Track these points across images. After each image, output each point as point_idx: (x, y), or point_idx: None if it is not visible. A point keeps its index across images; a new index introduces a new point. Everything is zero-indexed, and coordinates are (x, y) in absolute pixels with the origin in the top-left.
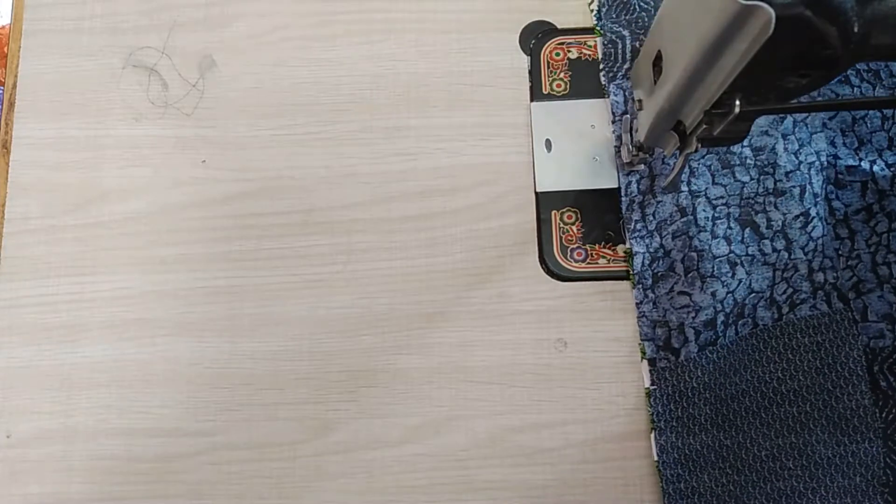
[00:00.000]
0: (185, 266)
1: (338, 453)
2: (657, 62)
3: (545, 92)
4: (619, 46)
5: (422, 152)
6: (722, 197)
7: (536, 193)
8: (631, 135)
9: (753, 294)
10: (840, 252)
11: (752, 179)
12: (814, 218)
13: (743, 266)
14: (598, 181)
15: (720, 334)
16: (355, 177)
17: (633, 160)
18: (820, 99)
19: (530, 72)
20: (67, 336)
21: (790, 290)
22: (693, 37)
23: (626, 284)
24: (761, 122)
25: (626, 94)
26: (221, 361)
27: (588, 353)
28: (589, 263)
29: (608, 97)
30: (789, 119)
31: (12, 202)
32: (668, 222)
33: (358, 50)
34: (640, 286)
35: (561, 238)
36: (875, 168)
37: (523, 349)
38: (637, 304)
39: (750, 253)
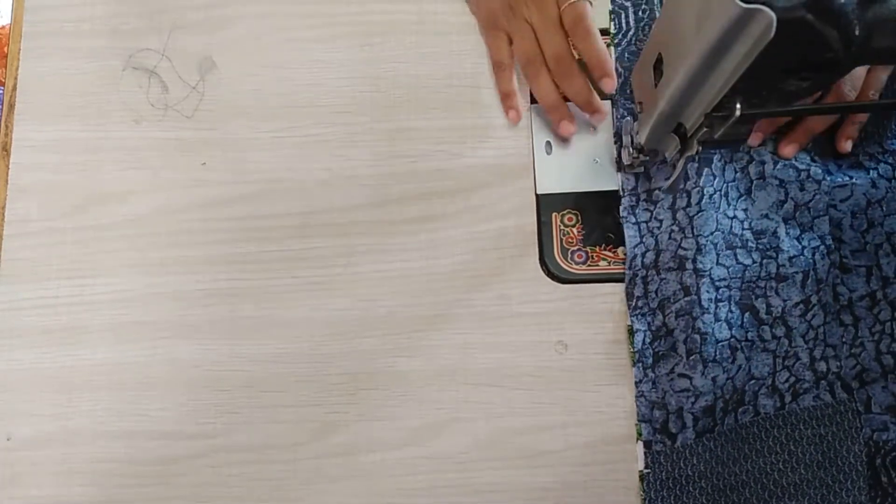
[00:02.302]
0: (186, 268)
1: (338, 456)
2: (658, 65)
3: None
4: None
5: (422, 154)
6: (724, 279)
7: (537, 195)
8: (632, 137)
9: (754, 381)
10: (844, 340)
11: (754, 262)
12: (814, 306)
13: (743, 351)
14: (598, 183)
15: (718, 421)
16: (355, 179)
17: (633, 162)
18: (823, 102)
19: None
20: (67, 339)
21: (792, 378)
22: (694, 40)
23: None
24: (760, 205)
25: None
26: (221, 364)
27: (588, 355)
28: (589, 265)
29: (619, 172)
30: (790, 202)
31: (12, 204)
32: (672, 300)
33: (358, 52)
34: (640, 364)
35: (561, 240)
36: (880, 252)
37: (523, 351)
38: (636, 382)
39: (749, 338)
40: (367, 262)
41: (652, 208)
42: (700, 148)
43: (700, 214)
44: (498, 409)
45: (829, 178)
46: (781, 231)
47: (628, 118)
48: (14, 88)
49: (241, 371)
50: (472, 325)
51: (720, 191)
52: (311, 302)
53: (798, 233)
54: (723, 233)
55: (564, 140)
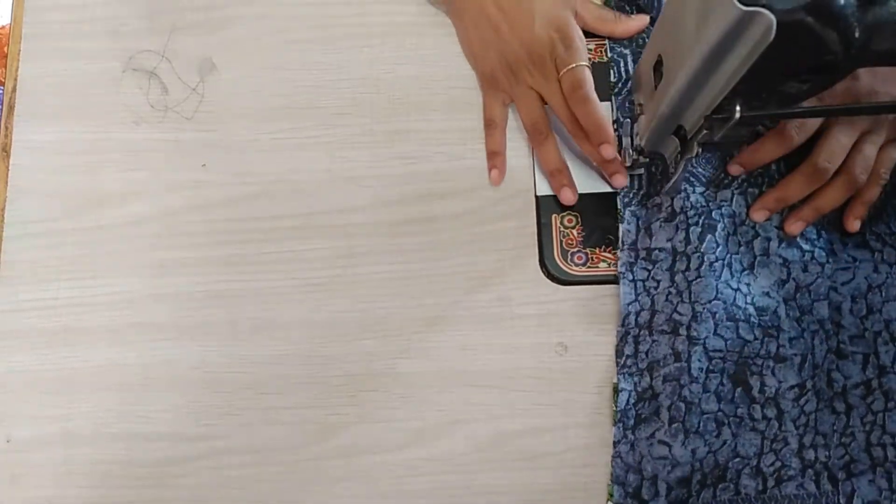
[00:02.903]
0: (186, 270)
1: (338, 458)
2: (658, 67)
3: None
4: (642, 178)
5: (422, 156)
6: (720, 350)
7: (537, 197)
8: (632, 139)
9: (738, 459)
10: (835, 428)
11: (755, 339)
12: (808, 391)
13: (730, 427)
14: (598, 185)
15: (693, 493)
16: (356, 180)
17: (633, 164)
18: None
19: None
20: (67, 340)
21: (778, 462)
22: (694, 42)
23: None
24: (762, 282)
25: (640, 222)
26: (222, 365)
27: (588, 356)
28: (589, 267)
29: (621, 223)
30: (791, 283)
31: (12, 206)
32: (661, 364)
33: (358, 54)
34: (621, 425)
35: (561, 242)
36: (878, 340)
37: (524, 353)
38: (614, 442)
39: (739, 414)
40: (367, 263)
41: (650, 267)
42: (700, 150)
43: (699, 281)
44: (498, 410)
45: (832, 261)
46: (782, 311)
47: (627, 120)
48: (14, 89)
49: (241, 373)
50: (473, 327)
51: (723, 260)
52: (311, 303)
53: (798, 314)
54: (724, 303)
55: (565, 206)
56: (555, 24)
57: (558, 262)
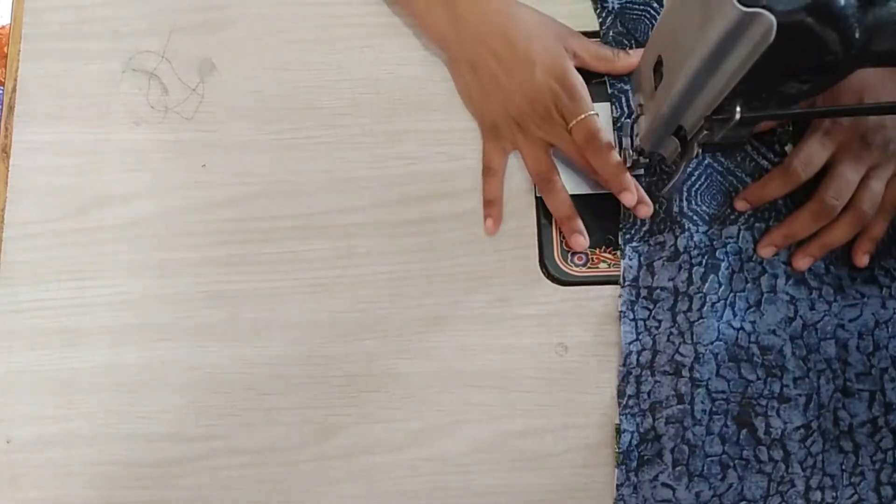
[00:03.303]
0: (186, 270)
1: (338, 458)
2: (658, 67)
3: None
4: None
5: (422, 156)
6: (724, 392)
7: (537, 197)
8: (632, 139)
9: (745, 502)
10: (844, 468)
11: (758, 379)
12: (814, 432)
13: (736, 470)
14: (598, 185)
15: None
16: (356, 181)
17: (633, 164)
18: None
19: None
20: (67, 341)
21: None
22: (694, 43)
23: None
24: (769, 319)
25: (641, 259)
26: (222, 366)
27: (588, 357)
28: (589, 268)
29: (623, 259)
30: (798, 321)
31: (12, 206)
32: (664, 405)
33: (358, 54)
34: (624, 467)
35: (561, 242)
36: (885, 377)
37: (524, 353)
38: (617, 485)
39: (745, 457)
40: (367, 263)
41: (651, 307)
42: (700, 151)
43: (700, 322)
44: (498, 411)
45: (839, 299)
46: (787, 350)
47: (628, 121)
48: (14, 90)
49: (242, 373)
50: (473, 327)
51: (725, 299)
52: (312, 304)
53: (804, 353)
54: (726, 343)
55: (575, 252)
56: (553, 72)
57: (558, 262)
